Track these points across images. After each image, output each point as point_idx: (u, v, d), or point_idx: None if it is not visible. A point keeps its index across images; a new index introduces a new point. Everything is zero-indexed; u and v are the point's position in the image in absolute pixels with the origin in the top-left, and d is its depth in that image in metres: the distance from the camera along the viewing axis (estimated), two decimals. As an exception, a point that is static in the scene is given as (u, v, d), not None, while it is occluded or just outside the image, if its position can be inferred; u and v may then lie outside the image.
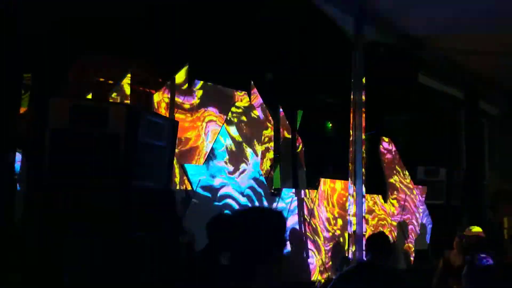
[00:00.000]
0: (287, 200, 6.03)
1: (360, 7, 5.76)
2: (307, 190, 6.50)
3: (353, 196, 6.12)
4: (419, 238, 7.78)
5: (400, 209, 7.52)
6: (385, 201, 7.22)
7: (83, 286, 3.41)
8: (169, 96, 6.11)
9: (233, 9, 5.61)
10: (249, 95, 6.78)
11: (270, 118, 6.95)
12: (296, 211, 6.13)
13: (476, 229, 5.50)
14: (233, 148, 5.85)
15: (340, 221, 6.73)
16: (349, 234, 5.96)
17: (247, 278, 1.69)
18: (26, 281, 3.41)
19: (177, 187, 5.67)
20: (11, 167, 4.54)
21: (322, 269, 6.16)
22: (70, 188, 3.49)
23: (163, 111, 6.00)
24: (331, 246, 6.33)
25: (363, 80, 5.89)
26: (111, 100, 5.43)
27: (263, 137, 6.65)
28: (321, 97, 8.35)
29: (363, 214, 5.80)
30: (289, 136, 7.19)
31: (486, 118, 10.23)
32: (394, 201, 7.58)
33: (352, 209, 5.84)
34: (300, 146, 7.44)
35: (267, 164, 6.66)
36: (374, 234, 5.05)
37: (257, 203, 5.68)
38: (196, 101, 6.28)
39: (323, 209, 6.50)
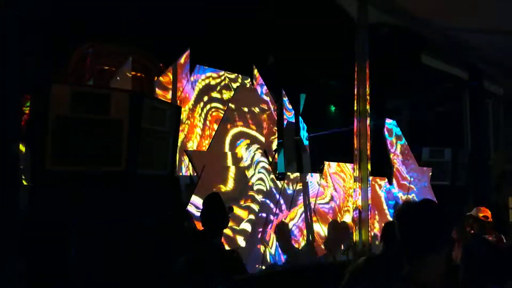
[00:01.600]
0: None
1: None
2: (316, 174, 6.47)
3: (358, 180, 6.10)
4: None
5: (404, 191, 7.50)
6: (390, 184, 7.18)
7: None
8: (171, 81, 6.08)
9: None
10: (252, 79, 6.73)
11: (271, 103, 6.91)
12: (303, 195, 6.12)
13: (483, 211, 5.46)
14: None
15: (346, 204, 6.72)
16: (353, 219, 5.96)
17: None
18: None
19: (181, 173, 5.67)
20: (15, 157, 4.52)
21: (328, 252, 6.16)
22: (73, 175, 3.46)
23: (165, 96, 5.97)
24: (337, 230, 6.31)
25: (367, 61, 5.83)
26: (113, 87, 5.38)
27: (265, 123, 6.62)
28: (324, 80, 8.29)
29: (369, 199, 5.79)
30: (293, 120, 7.16)
31: (491, 99, 10.16)
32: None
33: (357, 193, 5.83)
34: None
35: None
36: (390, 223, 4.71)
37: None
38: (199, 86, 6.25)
39: (330, 191, 6.48)
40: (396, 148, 7.43)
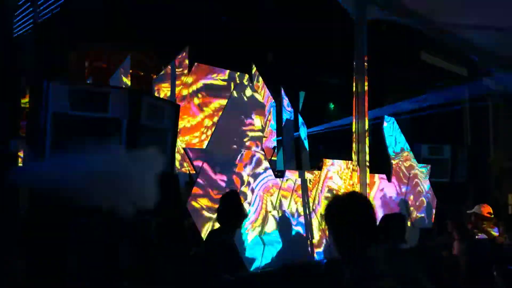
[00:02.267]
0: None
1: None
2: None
3: (357, 177, 6.12)
4: (423, 217, 7.77)
5: (404, 187, 7.50)
6: (389, 181, 7.19)
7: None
8: (169, 79, 6.08)
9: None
10: (251, 77, 6.73)
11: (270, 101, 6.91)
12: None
13: (487, 208, 5.47)
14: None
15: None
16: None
17: None
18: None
19: (180, 170, 5.68)
20: (15, 155, 4.53)
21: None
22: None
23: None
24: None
25: (365, 59, 5.84)
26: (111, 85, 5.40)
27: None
28: (323, 77, 8.30)
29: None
30: (292, 118, 7.16)
31: (491, 96, 10.15)
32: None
33: (356, 189, 5.84)
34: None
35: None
36: (393, 215, 4.68)
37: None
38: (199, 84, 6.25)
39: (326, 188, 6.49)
40: (395, 145, 7.42)
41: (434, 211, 7.75)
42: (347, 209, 1.96)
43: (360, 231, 1.90)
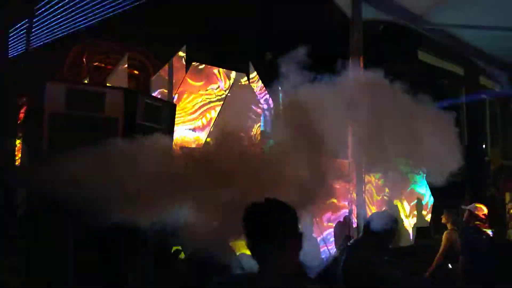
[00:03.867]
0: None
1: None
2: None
3: (353, 176, 6.11)
4: (420, 215, 7.80)
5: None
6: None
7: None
8: (167, 78, 6.10)
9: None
10: (248, 76, 6.75)
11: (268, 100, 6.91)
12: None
13: (481, 210, 5.49)
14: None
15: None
16: (350, 212, 5.97)
17: None
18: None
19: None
20: (12, 154, 4.56)
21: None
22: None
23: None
24: (334, 225, 6.33)
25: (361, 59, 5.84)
26: (108, 84, 5.41)
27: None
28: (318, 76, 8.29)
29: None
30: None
31: (487, 94, 10.18)
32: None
33: (352, 189, 5.82)
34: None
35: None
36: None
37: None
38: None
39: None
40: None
41: (430, 209, 7.78)
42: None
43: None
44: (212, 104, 6.34)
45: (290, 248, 1.91)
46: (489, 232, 5.49)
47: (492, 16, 6.51)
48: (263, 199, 1.98)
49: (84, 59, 6.01)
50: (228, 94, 6.14)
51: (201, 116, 6.28)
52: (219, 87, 6.42)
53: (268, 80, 6.96)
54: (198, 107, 6.25)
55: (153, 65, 6.38)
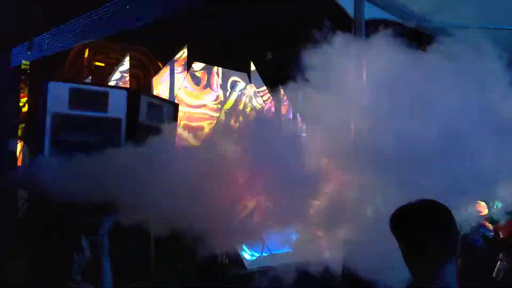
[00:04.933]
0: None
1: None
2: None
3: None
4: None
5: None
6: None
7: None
8: (168, 78, 6.09)
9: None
10: (249, 75, 6.74)
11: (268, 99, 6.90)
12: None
13: (479, 207, 5.47)
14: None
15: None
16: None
17: None
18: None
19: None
20: (13, 154, 4.54)
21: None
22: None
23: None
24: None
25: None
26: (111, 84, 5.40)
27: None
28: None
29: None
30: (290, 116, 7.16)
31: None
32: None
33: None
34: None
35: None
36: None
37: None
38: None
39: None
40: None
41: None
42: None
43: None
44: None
45: None
46: (487, 232, 5.45)
47: (497, 14, 6.50)
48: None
49: (85, 59, 5.99)
50: (230, 94, 6.13)
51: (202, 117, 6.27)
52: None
53: (268, 80, 6.97)
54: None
55: (154, 64, 6.37)
